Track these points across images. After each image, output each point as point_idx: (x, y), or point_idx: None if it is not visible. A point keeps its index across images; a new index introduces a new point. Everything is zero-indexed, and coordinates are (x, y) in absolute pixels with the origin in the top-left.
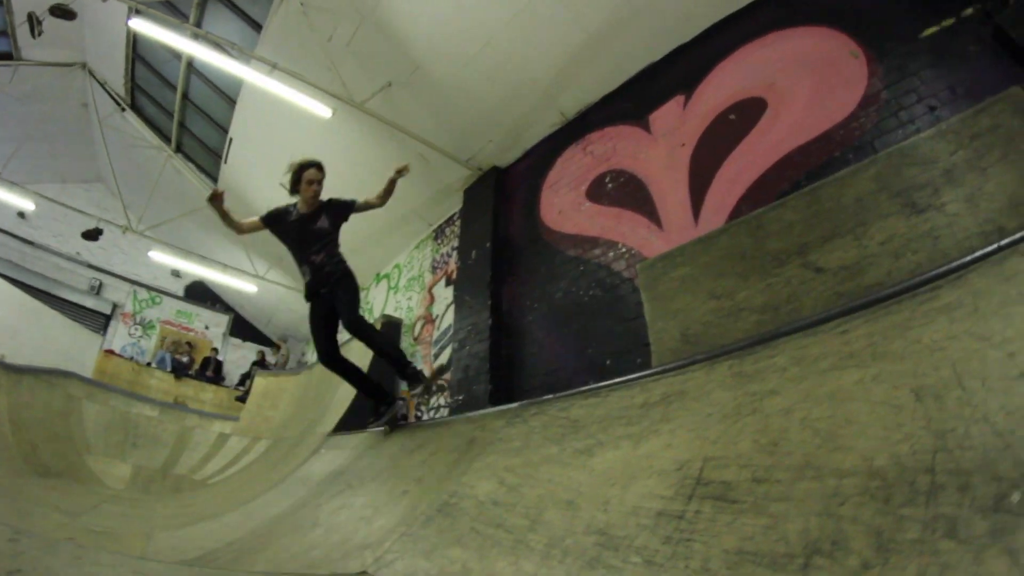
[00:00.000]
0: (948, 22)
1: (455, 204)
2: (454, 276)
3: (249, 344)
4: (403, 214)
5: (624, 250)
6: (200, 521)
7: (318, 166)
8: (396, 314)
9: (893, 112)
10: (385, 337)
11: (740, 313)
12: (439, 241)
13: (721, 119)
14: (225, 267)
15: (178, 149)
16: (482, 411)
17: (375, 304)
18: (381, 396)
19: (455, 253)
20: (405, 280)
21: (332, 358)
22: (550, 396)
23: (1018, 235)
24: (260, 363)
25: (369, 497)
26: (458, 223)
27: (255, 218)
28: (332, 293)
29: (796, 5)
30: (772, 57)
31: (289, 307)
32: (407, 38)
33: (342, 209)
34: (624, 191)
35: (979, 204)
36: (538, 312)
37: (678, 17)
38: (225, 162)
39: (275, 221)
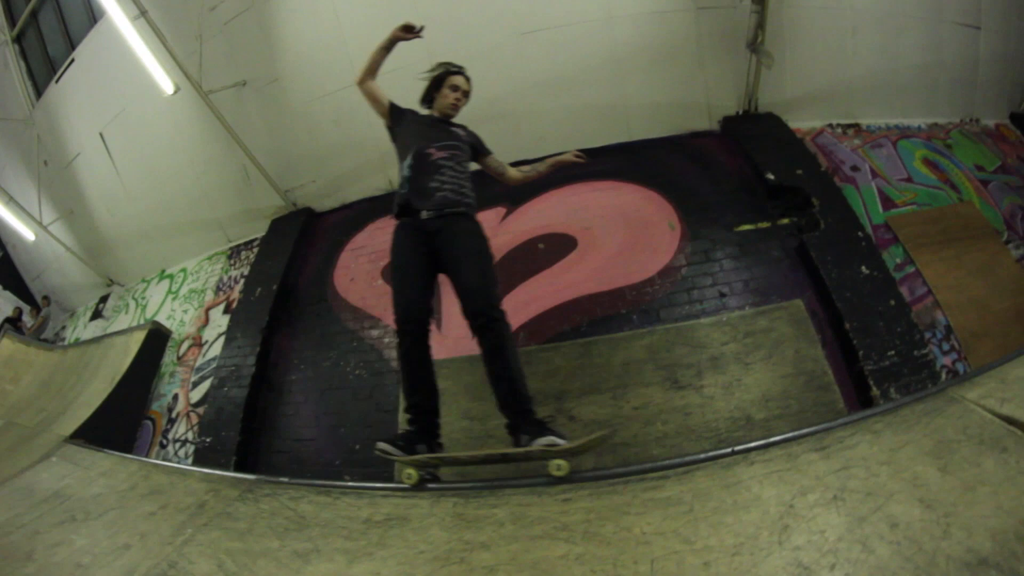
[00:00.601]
0: (764, 224)
1: (260, 230)
2: (234, 306)
3: (8, 295)
4: (206, 219)
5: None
6: None
7: (467, 77)
8: (168, 324)
9: (687, 288)
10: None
11: (488, 440)
12: (232, 261)
13: (531, 244)
14: (10, 199)
15: (17, 40)
16: (221, 472)
17: (151, 303)
18: (428, 425)
19: (243, 281)
20: (187, 289)
21: (422, 319)
22: (286, 480)
23: (752, 444)
24: (14, 321)
25: (91, 539)
26: (256, 250)
27: (386, 98)
28: (442, 235)
29: (639, 165)
30: (599, 203)
31: (63, 270)
32: (281, 45)
33: (478, 139)
34: None
35: (734, 393)
36: (303, 374)
37: (533, 135)
38: (56, 81)
39: (402, 111)
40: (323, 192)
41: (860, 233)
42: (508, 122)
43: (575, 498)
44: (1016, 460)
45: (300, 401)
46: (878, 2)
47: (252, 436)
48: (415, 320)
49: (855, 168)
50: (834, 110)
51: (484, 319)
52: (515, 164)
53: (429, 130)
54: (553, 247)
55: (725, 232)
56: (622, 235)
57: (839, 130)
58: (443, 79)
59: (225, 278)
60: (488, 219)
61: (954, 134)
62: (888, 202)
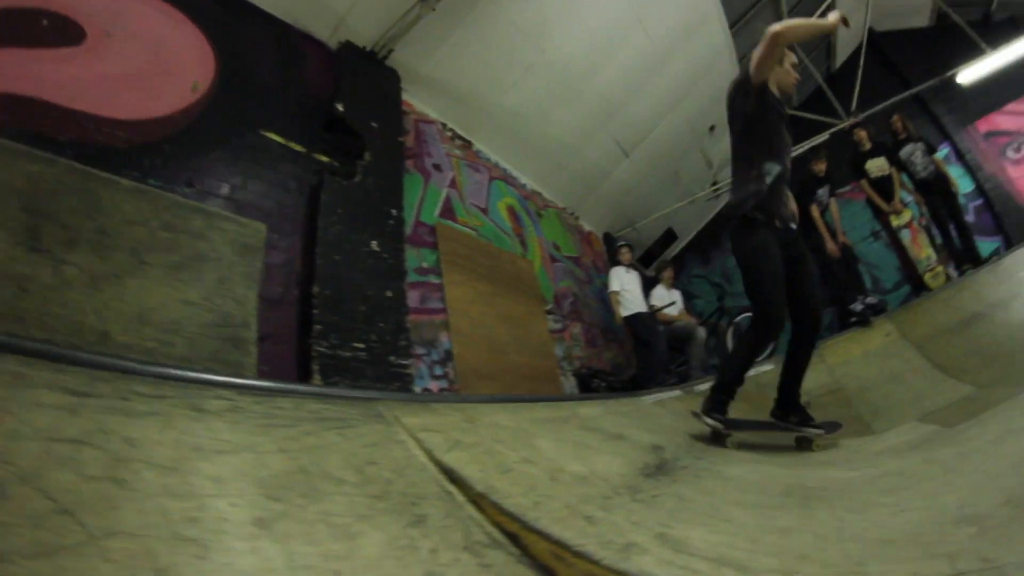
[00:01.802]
0: (298, 147)
1: None
2: None
3: None
4: None
5: None
6: None
7: None
8: None
9: (152, 155)
10: None
11: None
12: None
13: (37, 14)
14: None
15: None
16: None
17: None
18: (794, 402)
19: None
20: None
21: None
22: None
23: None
24: None
25: None
26: None
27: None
28: (796, 247)
29: (223, 30)
30: (146, 15)
31: None
32: None
33: None
34: None
35: (107, 299)
36: None
37: None
38: None
39: (768, 93)
40: None
41: (395, 212)
42: None
43: None
44: (432, 543)
45: None
46: (574, 64)
47: None
48: (783, 328)
49: (438, 167)
50: (458, 117)
51: (816, 336)
52: None
53: (786, 132)
54: (58, 30)
55: (248, 129)
56: (137, 63)
57: (449, 133)
58: (776, 49)
59: None
60: None
61: (551, 211)
62: (449, 212)
